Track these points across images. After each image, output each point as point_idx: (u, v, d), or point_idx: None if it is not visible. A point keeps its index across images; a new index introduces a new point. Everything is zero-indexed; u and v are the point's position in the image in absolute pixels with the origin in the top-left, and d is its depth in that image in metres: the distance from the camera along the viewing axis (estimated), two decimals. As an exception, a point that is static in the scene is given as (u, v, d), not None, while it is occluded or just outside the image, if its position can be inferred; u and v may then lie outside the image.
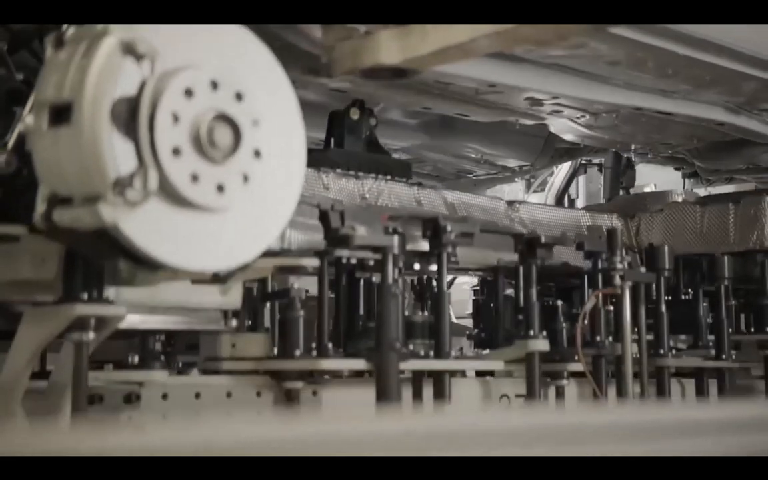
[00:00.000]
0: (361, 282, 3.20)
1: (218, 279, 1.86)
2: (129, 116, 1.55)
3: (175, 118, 1.59)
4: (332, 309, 3.07)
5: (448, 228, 2.96)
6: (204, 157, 1.65)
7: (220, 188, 1.67)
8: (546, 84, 3.05)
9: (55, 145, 1.56)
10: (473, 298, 4.25)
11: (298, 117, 1.81)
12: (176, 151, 1.61)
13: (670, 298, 3.89)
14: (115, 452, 1.12)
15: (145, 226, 1.62)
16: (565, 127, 3.69)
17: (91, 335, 2.07)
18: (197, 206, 1.66)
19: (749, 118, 3.58)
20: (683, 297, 4.02)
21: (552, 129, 3.69)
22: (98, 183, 1.54)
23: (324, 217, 2.76)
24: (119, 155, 1.54)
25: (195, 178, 1.64)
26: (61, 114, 1.56)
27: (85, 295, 2.03)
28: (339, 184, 3.35)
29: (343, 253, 2.86)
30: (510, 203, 3.91)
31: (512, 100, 3.22)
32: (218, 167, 1.67)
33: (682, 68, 2.96)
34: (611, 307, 3.50)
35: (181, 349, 3.18)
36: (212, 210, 1.68)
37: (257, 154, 1.71)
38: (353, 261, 2.94)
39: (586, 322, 3.23)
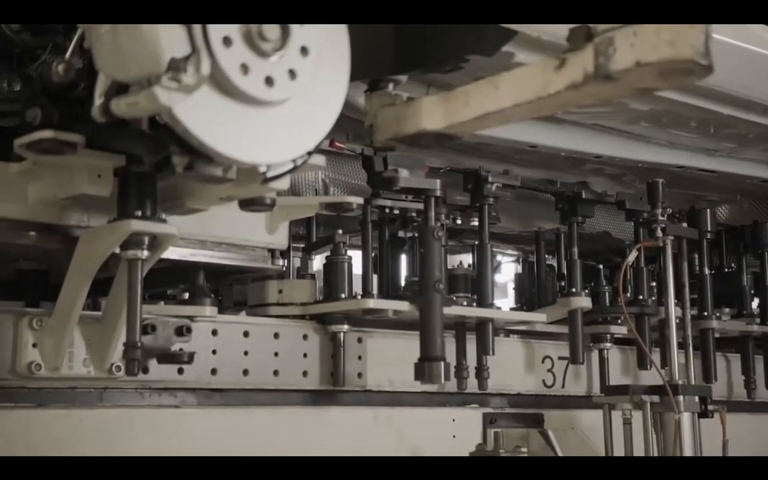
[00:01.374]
0: (403, 242, 3.27)
1: (266, 180, 1.91)
2: (182, 2, 1.63)
3: (226, 9, 1.67)
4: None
5: (490, 179, 3.01)
6: (253, 49, 1.71)
7: (269, 81, 1.74)
8: (587, 145, 3.04)
9: (114, 31, 1.64)
10: (515, 272, 4.29)
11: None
12: (227, 41, 1.68)
13: (713, 271, 3.90)
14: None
15: (199, 112, 1.68)
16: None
17: (146, 253, 2.14)
18: (247, 97, 1.72)
19: None
20: (726, 270, 4.01)
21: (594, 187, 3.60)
22: (154, 64, 1.61)
23: (368, 162, 2.82)
24: (173, 38, 1.62)
25: (245, 68, 1.70)
26: (119, 2, 1.65)
27: (140, 213, 2.10)
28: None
29: (386, 202, 2.92)
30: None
31: (553, 159, 3.20)
32: (267, 61, 1.73)
33: (725, 127, 2.95)
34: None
35: (229, 304, 3.26)
36: (261, 103, 1.75)
37: (304, 51, 1.78)
38: (396, 212, 3.00)
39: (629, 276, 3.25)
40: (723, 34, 2.49)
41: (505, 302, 5.05)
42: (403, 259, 3.33)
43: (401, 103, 2.06)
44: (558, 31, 1.72)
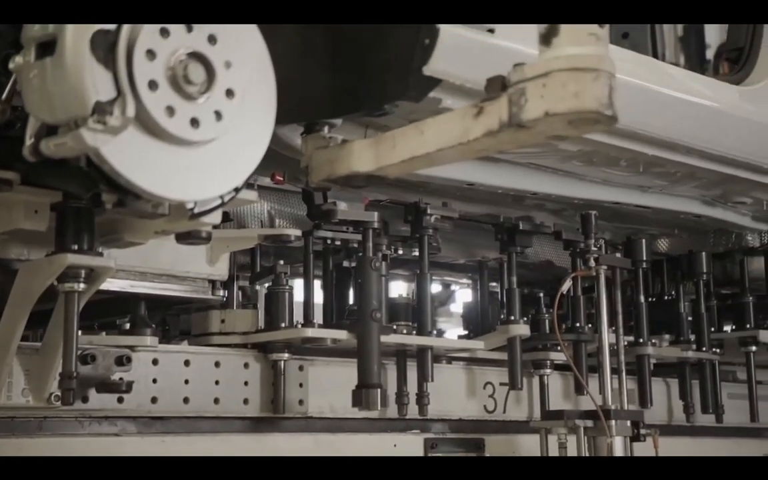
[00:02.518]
0: (350, 272, 3.35)
1: (195, 216, 1.99)
2: (108, 48, 1.71)
3: (152, 54, 1.75)
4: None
5: (429, 211, 3.10)
6: (179, 92, 1.79)
7: (194, 122, 1.82)
8: (523, 182, 3.13)
9: (42, 75, 1.72)
10: (463, 302, 4.39)
11: (269, 65, 1.97)
12: (153, 85, 1.76)
13: (654, 299, 4.02)
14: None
15: (126, 153, 1.76)
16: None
17: (82, 286, 2.21)
18: (173, 138, 1.80)
19: (725, 210, 3.69)
20: (666, 297, 4.12)
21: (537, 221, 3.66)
22: (80, 107, 1.68)
23: (307, 195, 2.90)
24: (99, 82, 1.69)
25: (171, 110, 1.78)
26: (46, 47, 1.72)
27: (76, 246, 2.17)
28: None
29: (326, 233, 3.00)
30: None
31: (494, 195, 3.27)
32: (193, 103, 1.81)
33: (653, 166, 3.05)
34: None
35: (176, 333, 3.32)
36: (187, 143, 1.82)
37: (230, 93, 1.86)
38: (338, 243, 3.08)
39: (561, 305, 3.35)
40: (641, 78, 2.60)
41: (457, 331, 5.17)
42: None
43: (335, 145, 2.16)
44: (480, 80, 1.81)
